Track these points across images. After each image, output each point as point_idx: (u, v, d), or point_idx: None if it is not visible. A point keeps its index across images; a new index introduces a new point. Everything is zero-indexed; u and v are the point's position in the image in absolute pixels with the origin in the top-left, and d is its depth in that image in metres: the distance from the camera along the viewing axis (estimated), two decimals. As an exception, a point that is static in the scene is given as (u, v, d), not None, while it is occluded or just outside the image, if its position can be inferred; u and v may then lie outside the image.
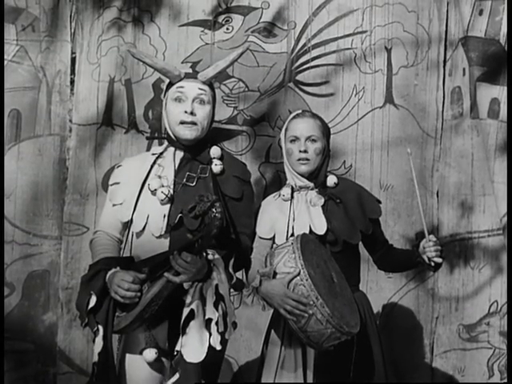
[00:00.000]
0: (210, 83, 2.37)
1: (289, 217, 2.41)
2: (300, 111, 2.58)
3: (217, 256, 2.16)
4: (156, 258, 2.15)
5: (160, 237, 2.22)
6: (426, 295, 3.41)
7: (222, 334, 2.09)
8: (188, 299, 2.10)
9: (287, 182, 2.52)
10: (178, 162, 2.32)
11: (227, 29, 3.54)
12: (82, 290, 2.19)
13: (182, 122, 2.28)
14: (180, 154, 2.34)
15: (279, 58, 3.52)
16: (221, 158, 2.35)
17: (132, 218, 2.25)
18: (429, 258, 2.32)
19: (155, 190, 2.24)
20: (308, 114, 2.57)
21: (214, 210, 1.99)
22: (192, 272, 2.06)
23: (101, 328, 2.11)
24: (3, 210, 3.48)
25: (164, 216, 2.22)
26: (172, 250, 2.11)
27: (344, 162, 3.44)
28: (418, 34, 3.47)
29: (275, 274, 2.18)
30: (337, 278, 2.26)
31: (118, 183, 2.37)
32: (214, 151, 2.35)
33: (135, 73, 3.59)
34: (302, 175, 2.45)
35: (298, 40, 3.52)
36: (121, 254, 2.35)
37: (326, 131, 2.51)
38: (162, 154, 2.37)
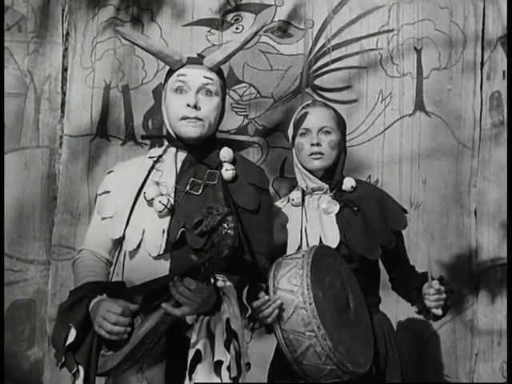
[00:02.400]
0: (218, 70, 2.20)
1: (301, 224, 2.32)
2: (310, 101, 2.49)
3: (228, 283, 1.99)
4: (152, 285, 1.96)
5: (158, 257, 2.04)
6: (464, 328, 3.30)
7: (235, 380, 1.88)
8: (193, 337, 1.91)
9: (298, 185, 2.44)
10: (179, 165, 2.16)
11: (237, 28, 3.51)
12: (60, 321, 1.98)
13: (185, 118, 2.11)
14: (182, 156, 2.17)
15: (295, 60, 3.48)
16: (233, 162, 2.19)
17: (124, 234, 2.09)
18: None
19: (152, 199, 2.07)
20: (319, 103, 2.49)
21: (225, 225, 1.80)
22: (197, 303, 1.86)
23: (81, 369, 1.90)
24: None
25: (163, 231, 2.04)
26: (172, 275, 1.91)
27: (369, 176, 3.37)
28: (452, 33, 3.41)
29: (276, 289, 2.04)
30: (354, 303, 2.13)
31: (108, 192, 2.20)
32: (225, 153, 2.19)
33: (134, 78, 3.56)
34: (314, 174, 2.36)
35: (316, 40, 3.47)
36: (109, 279, 2.18)
37: (341, 123, 2.43)
38: (161, 156, 2.20)
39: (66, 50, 3.64)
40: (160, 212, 2.06)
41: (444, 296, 2.23)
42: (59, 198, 3.53)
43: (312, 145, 2.34)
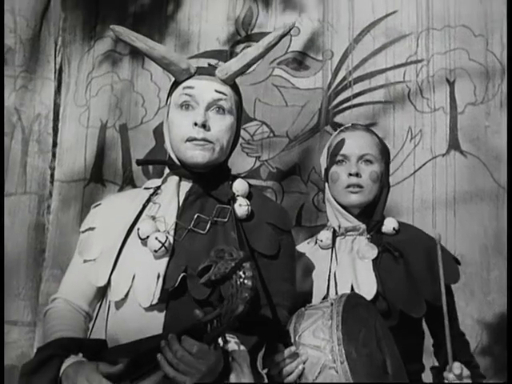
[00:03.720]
0: (233, 83, 1.98)
1: (329, 269, 2.12)
2: (350, 124, 2.29)
3: (242, 347, 1.74)
4: (142, 345, 1.72)
5: (151, 309, 1.80)
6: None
7: None
8: None
9: (328, 224, 2.27)
10: (183, 197, 1.92)
11: None
12: None
13: (191, 139, 1.87)
14: (187, 186, 1.94)
15: (313, 95, 3.44)
16: (248, 197, 1.97)
17: (110, 281, 1.85)
18: None
19: (147, 237, 1.83)
20: (360, 127, 2.30)
21: (241, 273, 1.56)
22: (200, 372, 1.60)
23: None
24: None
25: (158, 276, 1.80)
26: (167, 334, 1.65)
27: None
28: (488, 63, 3.34)
29: (298, 345, 1.81)
30: (392, 367, 1.89)
31: (92, 229, 1.97)
32: (239, 185, 1.96)
33: (132, 116, 3.53)
34: (350, 211, 2.17)
35: (336, 73, 3.44)
36: (88, 335, 1.94)
37: (385, 151, 2.25)
38: (159, 187, 1.98)
39: (58, 86, 3.63)
40: (156, 251, 1.82)
41: (467, 382, 1.97)
42: (48, 250, 3.47)
43: (350, 175, 2.15)
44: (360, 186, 2.15)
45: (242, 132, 3.39)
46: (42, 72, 3.61)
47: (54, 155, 3.57)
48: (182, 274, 1.80)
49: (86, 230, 1.98)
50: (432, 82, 3.39)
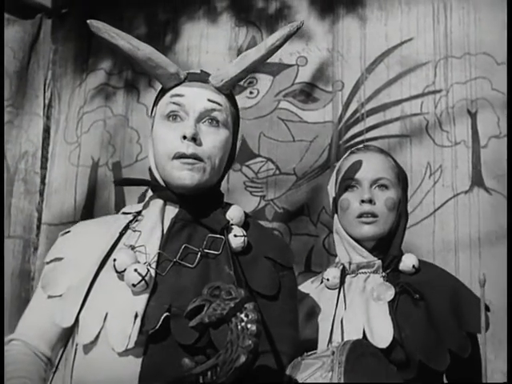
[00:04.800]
0: (230, 92, 1.85)
1: (335, 312, 1.98)
2: (361, 145, 2.21)
3: None
4: None
5: (125, 354, 1.62)
6: None
7: None
8: None
9: (336, 260, 2.13)
10: (168, 224, 1.77)
11: (251, 93, 3.53)
12: None
13: (178, 156, 1.71)
14: (172, 212, 1.78)
15: (322, 129, 3.42)
16: (244, 226, 1.82)
17: (78, 320, 1.69)
18: None
19: (124, 269, 1.67)
20: (373, 147, 2.19)
21: (242, 316, 1.43)
22: None
23: None
24: None
25: (135, 316, 1.64)
26: None
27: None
28: None
29: None
30: None
31: (59, 259, 1.80)
32: (234, 213, 1.82)
33: (126, 153, 3.52)
34: (363, 245, 2.04)
35: (347, 105, 3.42)
36: None
37: (402, 176, 2.14)
38: (140, 212, 1.83)
39: (47, 122, 3.62)
40: (134, 286, 1.65)
41: None
42: (33, 300, 3.39)
43: (362, 202, 2.03)
44: (374, 215, 2.04)
45: (246, 169, 3.40)
46: (30, 107, 3.59)
47: (41, 196, 3.55)
48: (164, 314, 1.64)
49: (52, 261, 1.82)
50: (452, 113, 3.35)
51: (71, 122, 3.62)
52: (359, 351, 1.68)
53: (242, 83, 3.48)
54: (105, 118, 3.59)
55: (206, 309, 1.44)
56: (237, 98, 3.38)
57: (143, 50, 1.76)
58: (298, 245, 3.32)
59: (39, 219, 3.52)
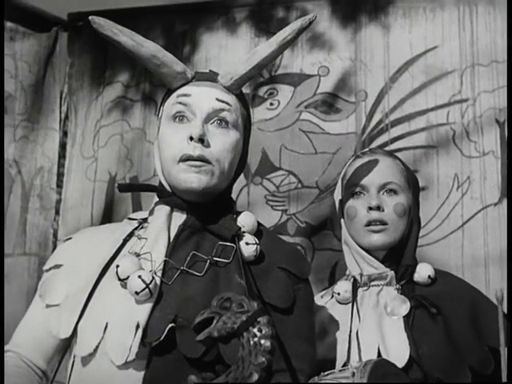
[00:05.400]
0: (240, 92, 1.81)
1: (350, 328, 1.90)
2: (367, 149, 2.13)
3: None
4: None
5: (125, 367, 1.56)
6: None
7: None
8: None
9: (346, 273, 2.06)
10: (175, 231, 1.72)
11: (271, 104, 3.50)
12: None
13: (185, 158, 1.67)
14: (180, 219, 1.73)
15: (345, 140, 3.40)
16: (257, 234, 1.76)
17: (76, 331, 1.63)
18: None
19: (128, 277, 1.60)
20: (381, 151, 2.14)
21: (256, 331, 1.35)
22: None
23: None
24: None
25: (137, 326, 1.57)
26: None
27: (446, 284, 3.18)
28: None
29: None
30: None
31: (58, 267, 1.76)
32: (246, 219, 1.76)
33: (144, 168, 3.48)
34: (373, 255, 1.97)
35: (370, 115, 3.41)
36: None
37: (412, 180, 2.07)
38: (146, 219, 1.78)
39: (63, 136, 3.60)
40: (137, 293, 1.58)
41: None
42: (49, 318, 3.37)
43: (370, 209, 1.97)
44: (383, 223, 1.98)
45: (267, 183, 3.37)
46: (46, 121, 3.56)
47: (57, 212, 3.52)
48: (170, 325, 1.56)
49: (51, 269, 1.77)
50: (480, 123, 3.33)
51: (88, 137, 3.61)
52: (381, 372, 1.60)
53: (262, 94, 3.46)
54: (122, 132, 3.57)
55: (215, 322, 1.38)
56: (257, 109, 3.46)
57: (147, 47, 1.72)
58: (322, 260, 3.30)
59: (55, 236, 3.49)
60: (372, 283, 1.99)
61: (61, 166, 3.59)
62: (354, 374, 1.58)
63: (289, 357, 1.63)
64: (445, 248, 3.23)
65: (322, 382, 1.64)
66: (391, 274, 1.97)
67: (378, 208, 1.98)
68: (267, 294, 1.66)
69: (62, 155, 3.61)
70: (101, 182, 3.55)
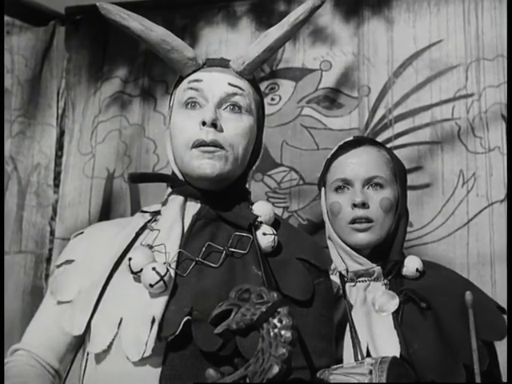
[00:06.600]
0: (252, 78, 1.78)
1: (351, 323, 1.83)
2: (351, 138, 2.06)
3: None
4: None
5: (141, 363, 1.53)
6: None
7: None
8: None
9: (332, 267, 1.94)
10: (189, 221, 1.68)
11: (272, 99, 3.48)
12: None
13: (197, 144, 1.63)
14: (194, 208, 1.70)
15: (347, 136, 3.12)
16: (274, 225, 1.71)
17: (89, 328, 1.61)
18: None
19: (141, 269, 1.57)
20: (365, 140, 2.05)
21: (275, 321, 1.32)
22: None
23: None
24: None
25: (153, 320, 1.54)
26: None
27: (451, 282, 3.16)
28: None
29: None
30: None
31: (70, 262, 1.72)
32: (262, 208, 1.71)
33: (143, 165, 3.47)
34: (358, 250, 1.89)
35: (374, 111, 3.39)
36: None
37: (399, 170, 1.98)
38: (159, 212, 1.75)
39: (60, 132, 3.60)
40: (151, 286, 1.55)
41: None
42: (46, 318, 3.36)
43: (354, 206, 1.88)
44: (369, 220, 1.89)
45: (268, 179, 3.34)
46: (43, 117, 3.57)
47: (54, 209, 3.52)
48: (185, 318, 1.53)
49: (62, 264, 1.73)
50: (485, 118, 3.31)
51: (85, 133, 3.61)
52: (395, 372, 1.55)
53: (263, 89, 3.44)
54: (120, 128, 3.56)
55: (233, 314, 1.35)
56: (258, 104, 3.38)
57: (156, 32, 1.69)
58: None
59: (52, 233, 3.48)
60: (358, 280, 1.91)
61: (58, 162, 3.59)
62: (371, 371, 1.54)
63: (309, 354, 1.58)
64: (450, 246, 3.21)
65: (336, 374, 1.59)
66: (378, 269, 1.90)
67: (363, 205, 1.90)
68: (285, 286, 1.61)
69: (60, 151, 3.60)
70: (99, 178, 3.55)
